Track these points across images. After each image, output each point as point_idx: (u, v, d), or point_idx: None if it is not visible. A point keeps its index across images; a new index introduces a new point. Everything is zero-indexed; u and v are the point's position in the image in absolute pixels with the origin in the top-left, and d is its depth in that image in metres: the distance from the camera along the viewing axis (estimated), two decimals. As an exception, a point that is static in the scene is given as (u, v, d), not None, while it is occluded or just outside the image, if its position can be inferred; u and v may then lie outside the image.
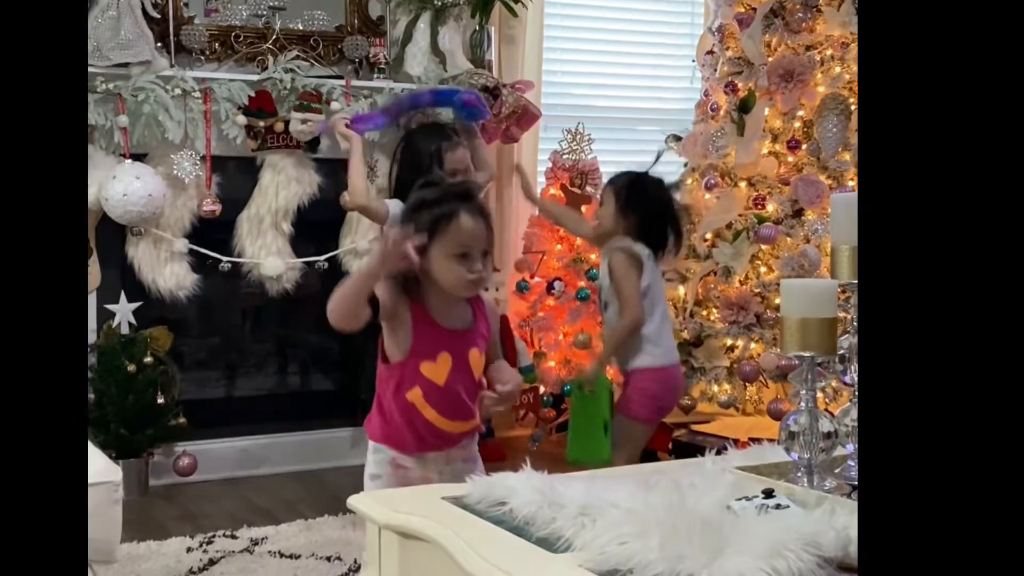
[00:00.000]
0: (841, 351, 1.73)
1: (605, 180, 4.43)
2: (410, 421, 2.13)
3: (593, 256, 4.39)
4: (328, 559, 2.99)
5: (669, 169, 4.61)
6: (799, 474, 1.70)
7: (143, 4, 3.70)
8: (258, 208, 3.89)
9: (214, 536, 3.19)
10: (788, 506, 1.55)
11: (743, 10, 4.17)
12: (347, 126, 3.44)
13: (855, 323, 1.75)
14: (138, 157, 3.69)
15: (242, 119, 3.81)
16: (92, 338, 3.72)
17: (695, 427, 4.11)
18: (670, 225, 3.10)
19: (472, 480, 1.79)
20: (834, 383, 3.37)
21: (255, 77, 3.86)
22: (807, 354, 1.68)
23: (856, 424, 1.70)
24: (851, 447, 1.71)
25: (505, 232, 4.53)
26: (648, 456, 3.88)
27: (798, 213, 3.92)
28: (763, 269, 3.95)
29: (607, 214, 3.09)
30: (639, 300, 2.99)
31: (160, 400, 3.68)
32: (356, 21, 4.14)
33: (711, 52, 4.38)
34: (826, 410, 1.74)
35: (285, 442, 4.05)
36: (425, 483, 2.16)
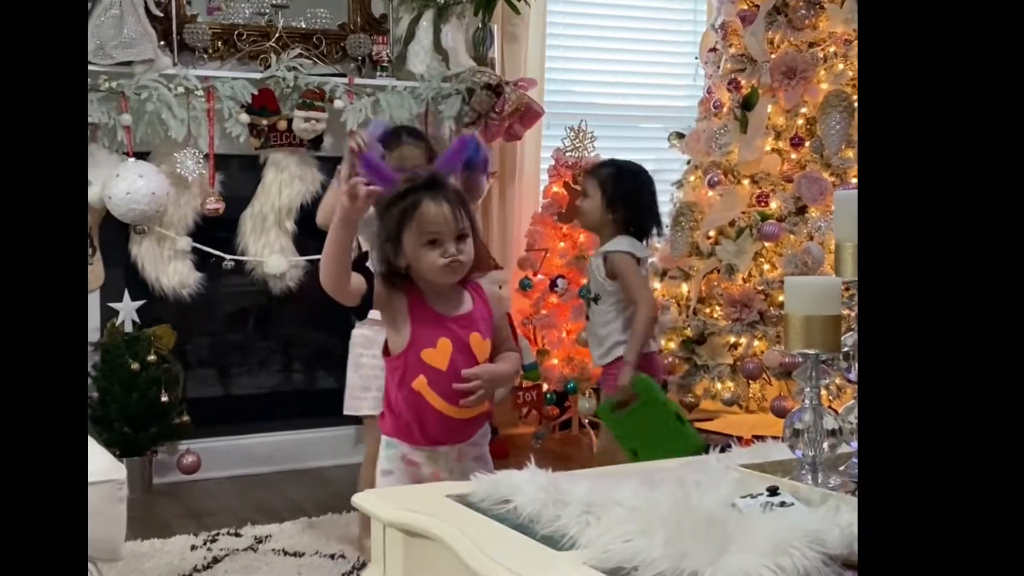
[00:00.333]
0: (845, 348, 1.72)
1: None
2: (418, 411, 2.13)
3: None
4: (332, 557, 2.99)
5: (672, 167, 4.63)
6: (803, 471, 1.70)
7: (146, 3, 3.71)
8: (261, 206, 3.89)
9: (218, 534, 3.19)
10: (792, 503, 1.55)
11: (746, 7, 4.16)
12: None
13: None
14: (141, 155, 3.70)
15: (245, 117, 3.81)
16: (96, 336, 3.73)
17: (698, 425, 4.10)
18: (654, 213, 3.12)
19: (476, 478, 1.79)
20: (838, 380, 3.36)
21: (258, 75, 3.86)
22: (811, 351, 1.68)
23: (860, 421, 1.70)
24: (855, 444, 1.71)
25: (508, 230, 4.53)
26: (651, 454, 3.88)
27: (801, 210, 3.91)
28: (766, 266, 3.95)
29: (593, 207, 3.07)
30: (651, 293, 3.01)
31: (164, 398, 3.69)
32: (359, 19, 4.14)
33: (714, 49, 4.37)
34: (830, 407, 1.74)
35: (289, 440, 4.06)
36: (435, 480, 2.17)
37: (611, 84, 4.98)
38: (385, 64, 4.07)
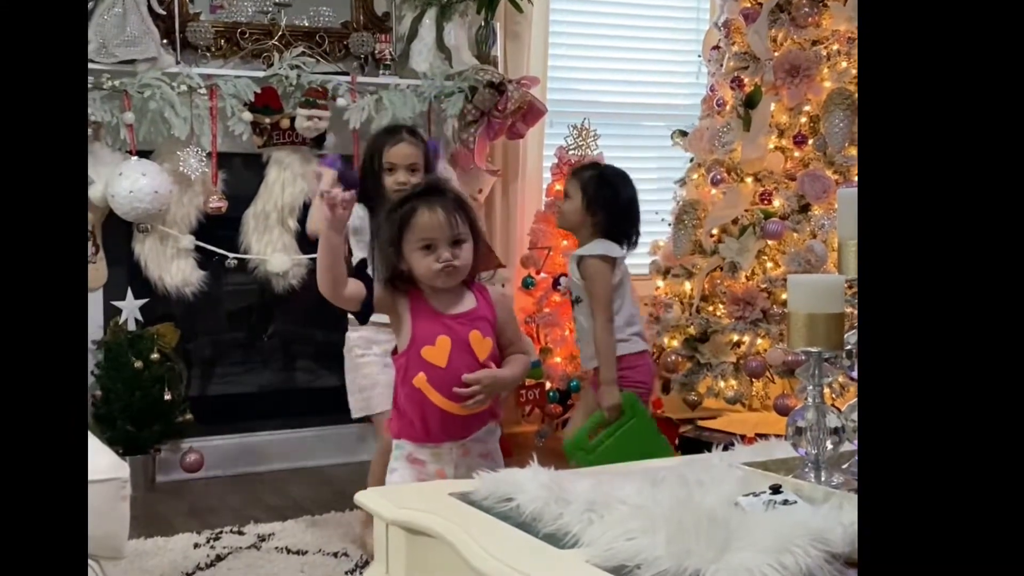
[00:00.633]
0: (848, 346, 1.72)
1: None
2: (420, 408, 2.17)
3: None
4: (335, 555, 3.00)
5: (675, 165, 4.62)
6: (806, 470, 1.70)
7: (149, 1, 3.71)
8: (264, 204, 3.89)
9: (221, 532, 3.19)
10: (795, 502, 1.54)
11: (749, 5, 4.16)
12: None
13: (862, 318, 1.74)
14: (144, 154, 3.70)
15: (248, 116, 3.81)
16: (99, 335, 3.73)
17: (702, 423, 4.11)
18: (634, 219, 3.11)
19: (479, 476, 1.79)
20: (841, 378, 3.36)
21: (261, 74, 3.86)
22: (814, 349, 1.68)
23: (863, 420, 1.70)
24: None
25: (511, 228, 4.53)
26: (654, 452, 3.88)
27: (805, 208, 3.91)
28: (769, 264, 3.94)
29: (574, 209, 3.07)
30: (610, 303, 3.00)
31: (167, 396, 3.69)
32: (362, 17, 4.14)
33: (717, 47, 4.37)
34: (833, 406, 1.74)
35: (292, 438, 4.06)
36: (440, 478, 2.19)
37: (614, 82, 4.97)
38: (388, 62, 4.07)
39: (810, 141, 3.97)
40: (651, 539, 1.40)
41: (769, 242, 3.91)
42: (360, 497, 1.91)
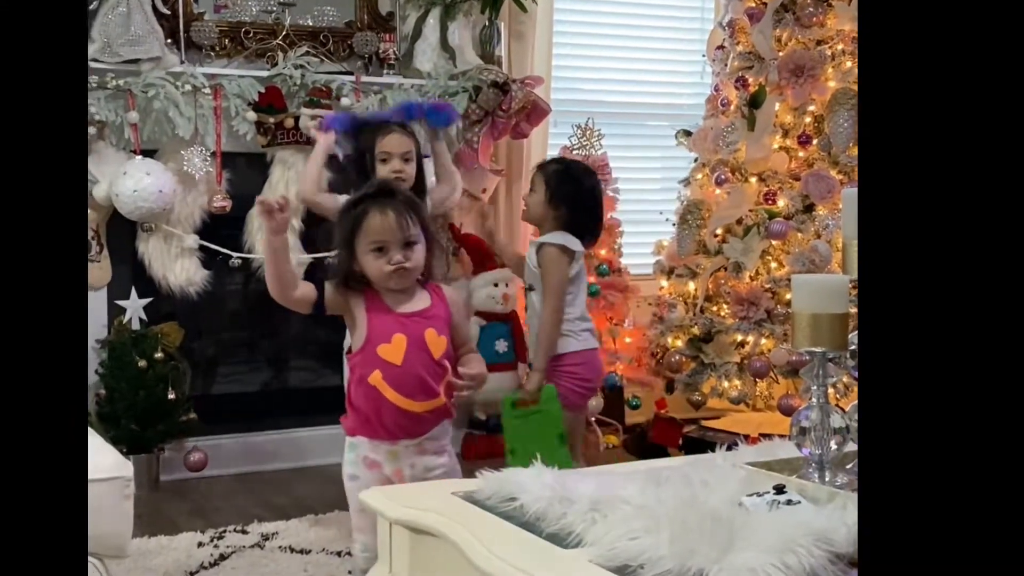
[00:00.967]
0: (852, 346, 1.72)
1: (615, 176, 4.47)
2: (375, 406, 2.21)
3: (603, 251, 4.38)
4: (338, 554, 2.99)
5: (680, 164, 4.62)
6: (810, 470, 1.69)
7: (153, 1, 3.71)
8: (268, 204, 3.89)
9: (224, 531, 3.19)
10: (799, 502, 1.54)
11: (753, 5, 4.15)
12: (317, 129, 3.40)
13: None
14: (148, 153, 3.70)
15: (252, 115, 3.81)
16: (103, 334, 3.73)
17: (706, 423, 4.10)
18: (596, 214, 3.11)
19: (483, 476, 1.79)
20: (845, 379, 3.35)
21: (265, 73, 3.86)
22: (818, 349, 1.67)
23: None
24: (862, 443, 1.70)
25: (515, 227, 4.53)
26: (658, 452, 3.88)
27: (809, 208, 3.90)
28: (774, 265, 3.94)
29: (537, 202, 3.06)
30: (563, 294, 2.98)
31: (171, 396, 3.69)
32: (366, 17, 4.15)
33: (721, 47, 4.36)
34: (837, 406, 1.73)
35: (296, 438, 4.06)
36: (397, 478, 2.24)
37: (618, 82, 4.97)
38: (392, 62, 4.07)
39: (814, 141, 3.96)
40: (655, 539, 1.40)
41: (773, 242, 3.90)
42: (364, 496, 1.91)
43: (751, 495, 1.57)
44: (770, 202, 3.95)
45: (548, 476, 1.70)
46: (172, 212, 3.74)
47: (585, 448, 4.29)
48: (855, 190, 1.75)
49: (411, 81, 4.02)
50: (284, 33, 3.97)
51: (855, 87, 3.87)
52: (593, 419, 4.38)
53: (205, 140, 3.77)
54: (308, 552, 3.02)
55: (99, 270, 3.74)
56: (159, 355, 3.69)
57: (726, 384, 3.94)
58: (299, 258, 3.89)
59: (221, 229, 3.86)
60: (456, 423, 2.87)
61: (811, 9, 3.99)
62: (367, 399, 2.22)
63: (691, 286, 4.12)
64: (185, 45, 3.82)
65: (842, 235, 1.80)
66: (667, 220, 4.37)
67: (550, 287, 2.98)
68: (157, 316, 3.82)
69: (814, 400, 1.70)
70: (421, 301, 2.26)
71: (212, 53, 3.88)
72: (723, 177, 4.07)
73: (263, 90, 3.83)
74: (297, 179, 3.90)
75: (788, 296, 3.67)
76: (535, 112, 4.22)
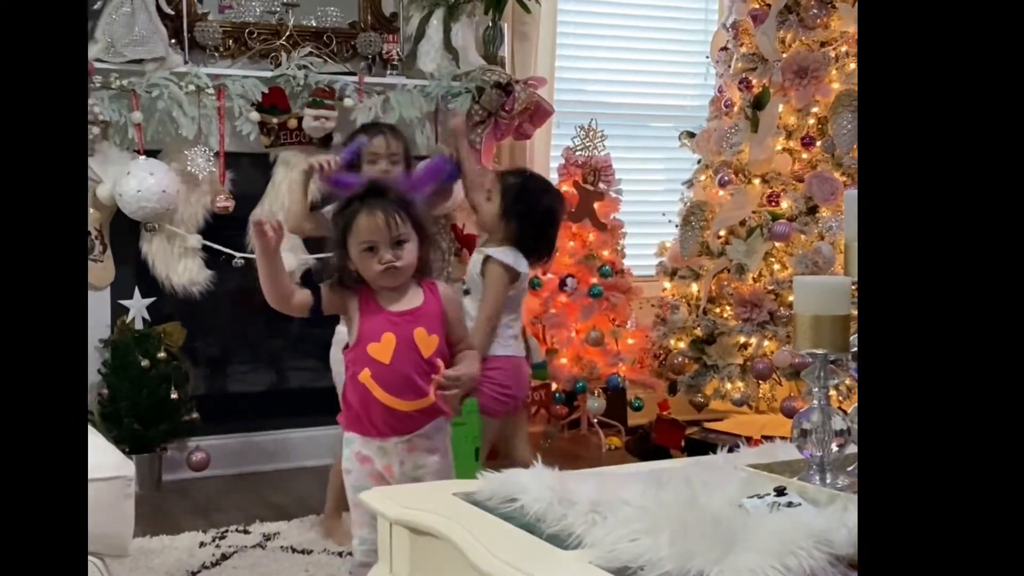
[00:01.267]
0: (854, 349, 1.72)
1: (618, 177, 4.47)
2: (365, 403, 2.24)
3: (606, 252, 4.38)
4: (340, 555, 3.00)
5: (683, 166, 4.62)
6: (811, 472, 1.69)
7: (157, 1, 3.71)
8: (271, 204, 3.89)
9: (226, 531, 3.20)
10: (800, 504, 1.54)
11: (757, 6, 4.15)
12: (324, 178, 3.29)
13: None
14: (152, 153, 3.71)
15: (255, 115, 3.82)
16: (106, 333, 3.74)
17: (708, 425, 4.10)
18: (548, 235, 3.02)
19: (483, 476, 1.79)
20: (847, 381, 3.35)
21: (268, 74, 3.86)
22: (820, 351, 1.67)
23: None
24: (864, 445, 1.70)
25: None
26: (661, 454, 3.88)
27: (812, 210, 3.90)
28: (777, 266, 3.94)
29: (491, 212, 2.98)
30: (500, 309, 2.91)
31: (173, 395, 3.69)
32: (369, 17, 4.15)
33: (725, 48, 4.36)
34: (839, 408, 1.73)
35: (298, 438, 4.06)
36: (388, 473, 2.25)
37: (622, 83, 4.97)
38: (395, 63, 4.07)
39: (818, 143, 3.96)
40: (655, 540, 1.40)
41: (776, 244, 3.90)
42: (363, 496, 1.91)
43: (752, 497, 1.57)
44: (773, 204, 3.94)
45: (549, 477, 1.70)
46: (175, 212, 3.75)
47: (586, 450, 4.30)
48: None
49: (414, 82, 4.03)
50: (288, 34, 3.97)
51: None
52: (595, 420, 4.39)
53: (209, 140, 3.77)
54: (310, 552, 3.02)
55: (102, 270, 3.74)
56: (162, 355, 3.69)
57: (729, 386, 3.94)
58: (300, 258, 3.90)
59: (224, 229, 3.86)
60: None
61: (815, 11, 3.99)
62: (357, 396, 2.25)
63: (694, 288, 4.12)
64: (189, 45, 3.82)
65: (845, 237, 1.80)
66: (670, 221, 4.37)
67: (488, 300, 2.92)
68: (160, 316, 3.83)
69: (816, 402, 1.70)
70: (414, 299, 2.27)
71: (216, 53, 3.88)
72: (726, 179, 4.07)
73: (267, 90, 3.83)
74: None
75: (791, 298, 3.66)
76: (538, 113, 4.22)
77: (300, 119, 3.85)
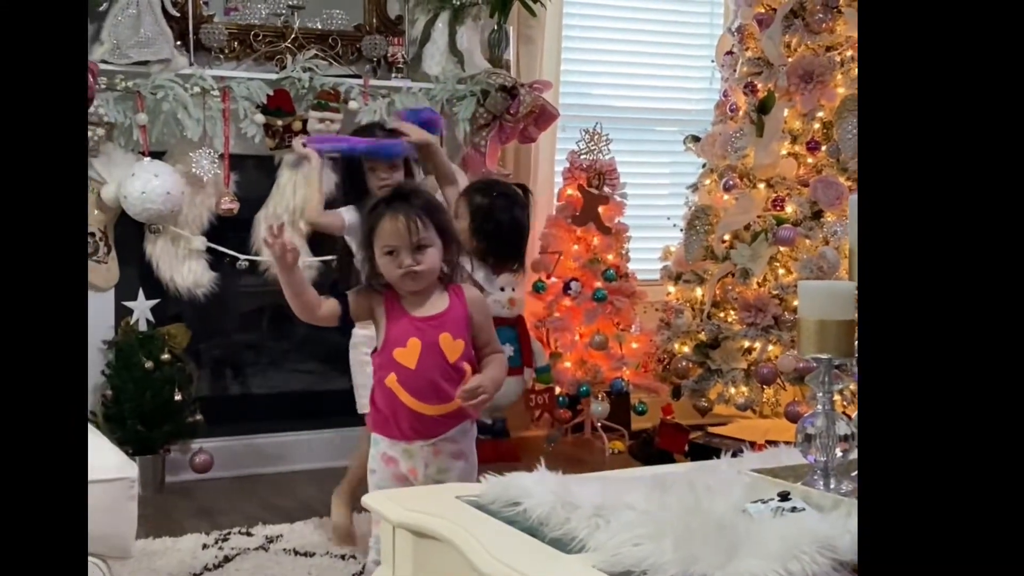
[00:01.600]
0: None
1: (623, 181, 4.47)
2: (391, 407, 2.24)
3: (611, 256, 4.38)
4: (343, 557, 2.99)
5: (688, 170, 4.61)
6: (815, 477, 1.69)
7: (163, 2, 3.72)
8: (275, 207, 3.90)
9: (229, 533, 3.19)
10: (804, 509, 1.54)
11: (763, 10, 4.15)
12: (304, 145, 3.38)
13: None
14: (157, 155, 3.71)
15: (260, 118, 3.82)
16: (110, 335, 3.74)
17: (712, 429, 4.09)
18: (518, 246, 2.92)
19: (486, 480, 1.79)
20: (852, 385, 3.34)
21: (273, 76, 3.87)
22: (824, 356, 1.67)
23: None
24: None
25: (522, 232, 4.52)
26: (665, 458, 3.87)
27: (817, 215, 3.89)
28: (781, 271, 3.93)
29: (460, 229, 2.92)
30: None
31: (177, 397, 3.69)
32: (374, 20, 4.15)
33: (730, 52, 4.36)
34: (843, 413, 1.73)
35: (301, 440, 4.06)
36: (413, 475, 2.25)
37: (627, 87, 4.97)
38: (400, 65, 4.07)
39: (823, 147, 3.95)
40: (658, 545, 1.39)
41: (781, 248, 3.89)
42: (367, 499, 1.91)
43: (755, 502, 1.57)
44: (778, 208, 3.94)
45: (552, 481, 1.70)
46: (180, 214, 3.75)
47: (590, 454, 4.30)
48: (862, 196, 1.75)
49: (419, 85, 4.03)
50: (293, 36, 3.98)
51: (864, 94, 3.86)
52: (599, 424, 4.38)
53: (213, 142, 3.77)
54: (313, 555, 3.02)
55: (106, 271, 3.75)
56: (166, 356, 3.69)
57: (733, 390, 3.93)
58: (305, 260, 3.90)
59: (228, 231, 3.87)
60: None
61: (820, 15, 3.98)
62: (384, 400, 2.25)
63: (698, 292, 4.11)
64: (194, 47, 3.83)
65: (849, 242, 1.79)
66: (675, 226, 4.36)
67: None
68: (164, 317, 3.83)
69: (820, 407, 1.69)
70: (439, 304, 2.27)
71: (221, 55, 3.88)
72: (731, 183, 4.07)
73: (272, 93, 3.84)
74: (304, 183, 3.91)
75: (795, 302, 3.66)
76: (543, 116, 4.22)
77: (305, 121, 3.86)
